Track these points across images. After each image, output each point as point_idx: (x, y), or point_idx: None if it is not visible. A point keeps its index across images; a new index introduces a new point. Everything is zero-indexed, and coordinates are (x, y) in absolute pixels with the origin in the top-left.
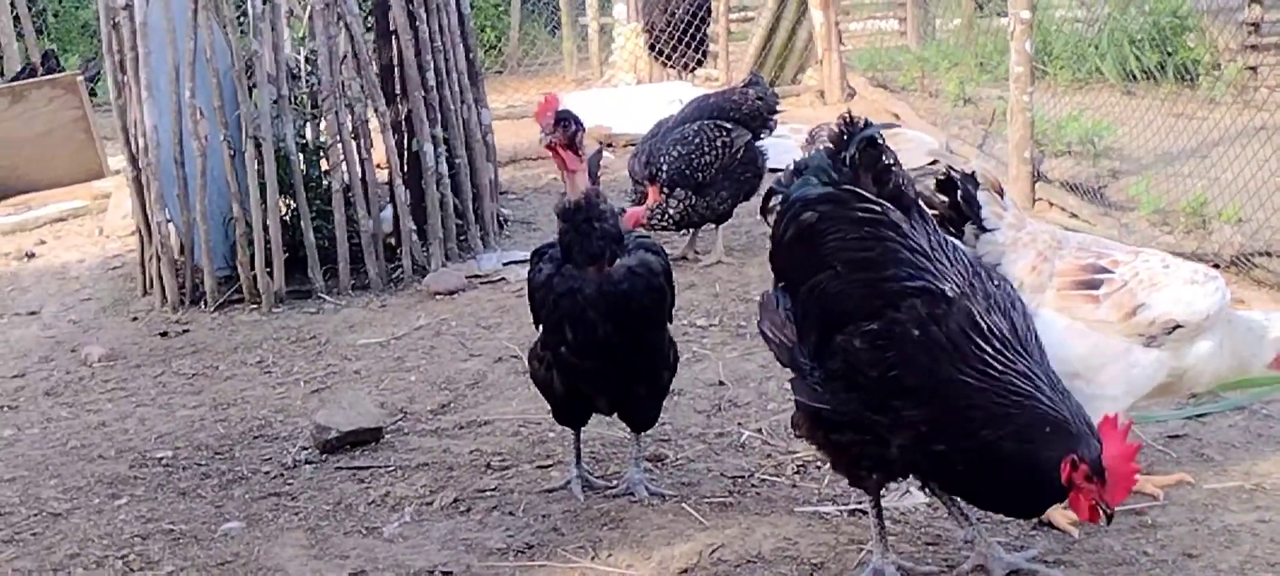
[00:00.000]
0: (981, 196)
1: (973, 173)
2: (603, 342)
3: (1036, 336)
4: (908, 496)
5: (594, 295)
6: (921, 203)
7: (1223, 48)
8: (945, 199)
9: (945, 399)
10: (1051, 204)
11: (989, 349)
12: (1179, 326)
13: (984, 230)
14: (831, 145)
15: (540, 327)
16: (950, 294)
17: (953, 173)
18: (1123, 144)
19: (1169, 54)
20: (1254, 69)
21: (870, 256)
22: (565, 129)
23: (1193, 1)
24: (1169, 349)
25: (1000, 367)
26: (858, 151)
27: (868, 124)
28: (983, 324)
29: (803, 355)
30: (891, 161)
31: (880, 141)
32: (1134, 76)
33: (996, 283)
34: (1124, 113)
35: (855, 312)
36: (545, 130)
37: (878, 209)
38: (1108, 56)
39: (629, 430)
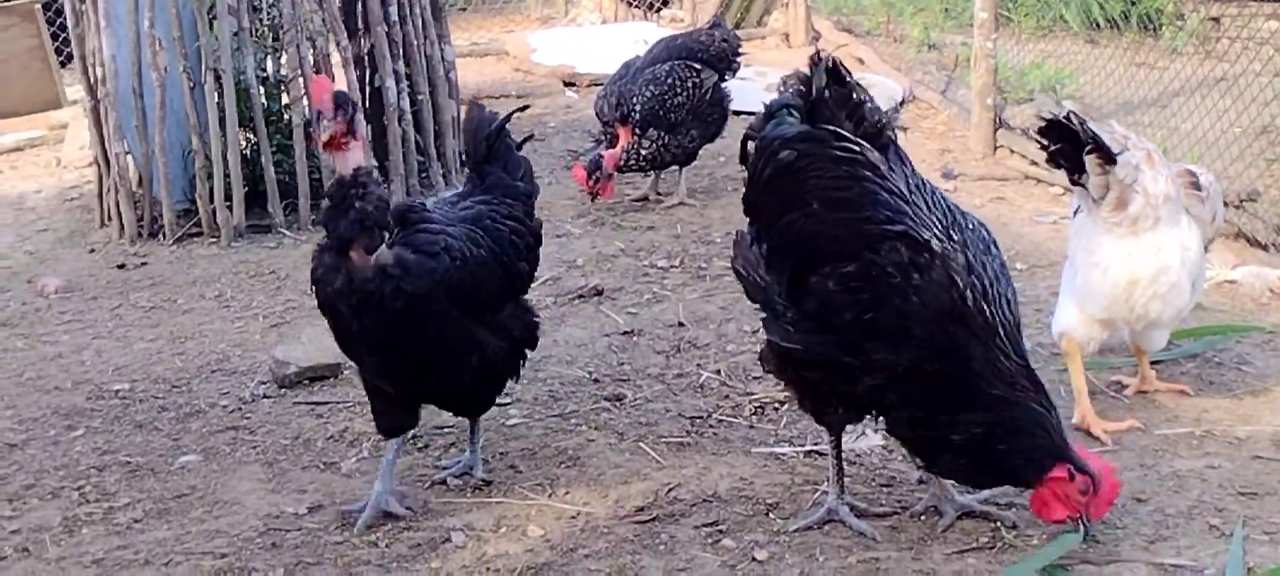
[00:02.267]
0: (1094, 126)
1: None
2: (360, 338)
3: (1009, 282)
4: (864, 438)
5: (343, 287)
6: (898, 143)
7: None
8: (1048, 142)
9: (918, 346)
10: (1012, 150)
11: (972, 307)
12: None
13: (1111, 159)
14: (802, 88)
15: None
16: (935, 247)
17: (1066, 116)
18: (1085, 92)
19: (1133, 3)
20: (1217, 20)
21: (848, 196)
22: (345, 115)
23: None
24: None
25: (981, 326)
26: (826, 82)
27: (834, 60)
28: (960, 281)
29: (776, 295)
30: (865, 100)
31: (846, 74)
32: (1098, 25)
33: (973, 226)
34: (1087, 61)
35: (832, 253)
36: (325, 118)
37: (856, 148)
38: (1072, 4)
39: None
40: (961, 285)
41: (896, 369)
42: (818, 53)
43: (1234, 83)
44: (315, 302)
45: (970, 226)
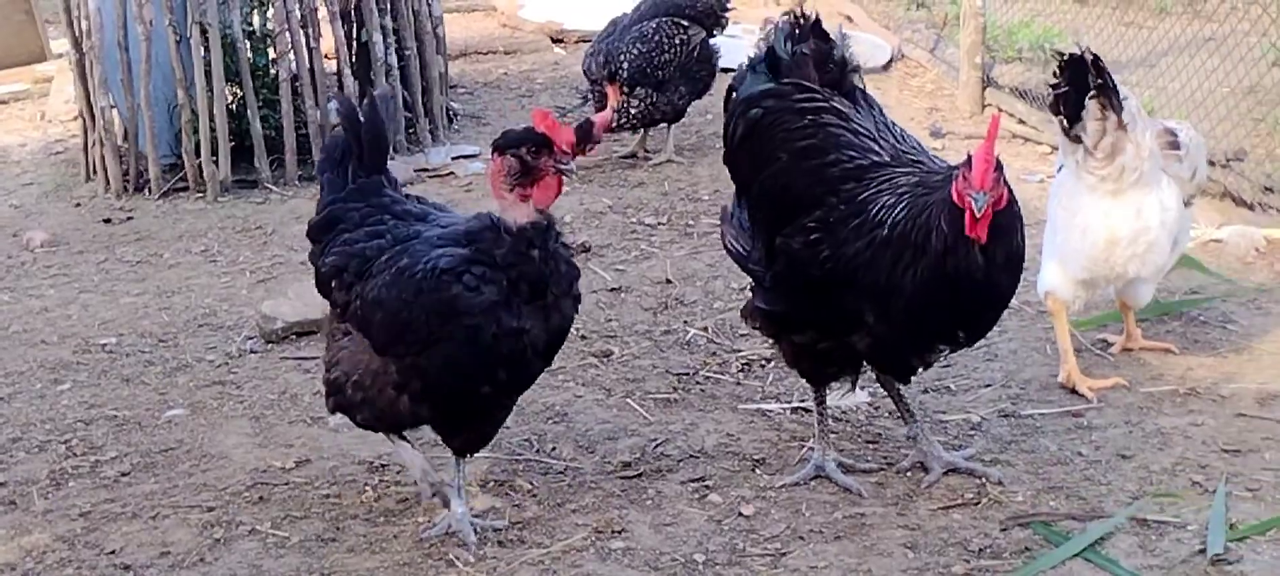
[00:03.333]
0: (1112, 74)
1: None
2: (522, 382)
3: None
4: (850, 395)
5: (541, 336)
6: (866, 86)
7: None
8: (1061, 81)
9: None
10: (1000, 109)
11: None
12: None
13: (1119, 101)
14: (781, 34)
15: (429, 354)
16: (881, 164)
17: (1082, 54)
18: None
19: None
20: None
21: (814, 143)
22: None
23: None
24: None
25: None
26: (811, 40)
27: (817, 21)
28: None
29: (755, 263)
30: (836, 51)
31: (826, 32)
32: None
33: (930, 159)
34: (1076, 20)
35: (802, 201)
36: (569, 153)
37: (820, 96)
38: None
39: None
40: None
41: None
42: (797, 9)
43: (1222, 43)
44: (373, 295)
45: (933, 163)
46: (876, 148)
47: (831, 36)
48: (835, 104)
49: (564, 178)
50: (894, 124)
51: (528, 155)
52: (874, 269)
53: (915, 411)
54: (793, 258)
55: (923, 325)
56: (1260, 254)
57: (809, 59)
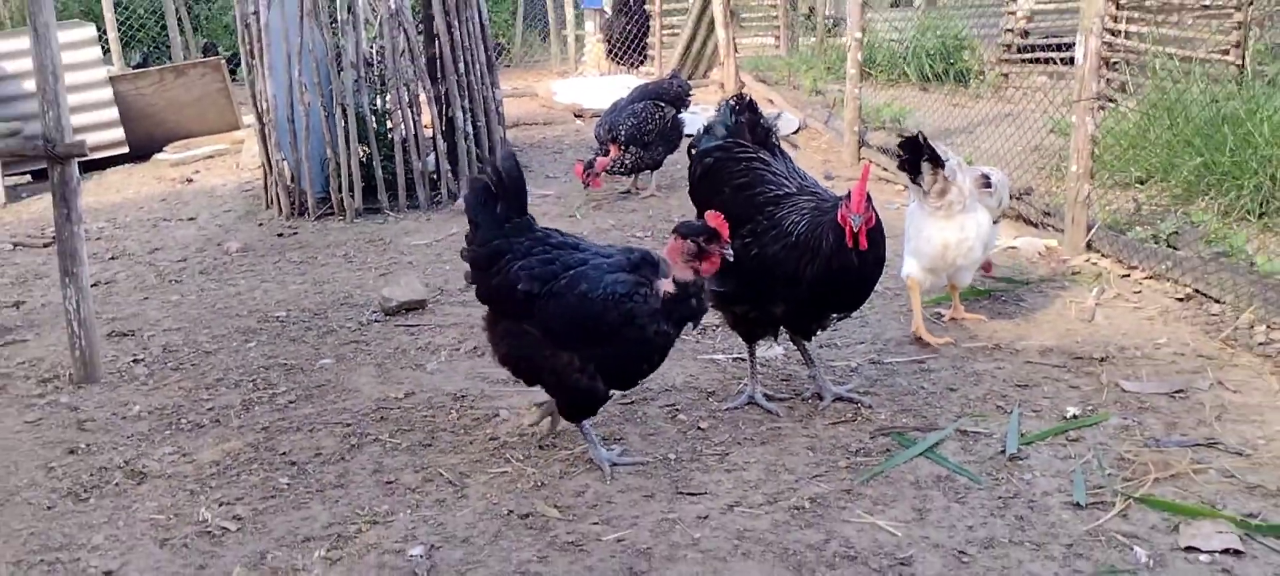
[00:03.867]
0: (935, 143)
1: (919, 133)
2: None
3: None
4: (772, 348)
5: (676, 335)
6: (783, 145)
7: (987, 60)
8: (903, 153)
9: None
10: (872, 162)
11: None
12: (1004, 210)
13: (941, 163)
14: (730, 107)
15: (607, 347)
16: (788, 195)
17: (915, 136)
18: (919, 122)
19: (950, 64)
20: (1006, 75)
21: (746, 180)
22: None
23: (968, 29)
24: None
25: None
26: (746, 113)
27: (752, 101)
28: (801, 206)
29: None
30: (763, 121)
31: (758, 108)
32: (928, 78)
33: (824, 192)
34: (920, 102)
35: (739, 219)
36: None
37: (751, 150)
38: (911, 64)
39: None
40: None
41: (789, 296)
42: (738, 94)
43: (1017, 117)
44: (561, 311)
45: (825, 194)
46: (788, 183)
47: (761, 111)
48: (762, 155)
49: (724, 259)
50: (800, 169)
51: (702, 242)
52: (786, 264)
53: (815, 359)
54: (736, 255)
55: (819, 302)
56: (1042, 256)
57: (745, 126)
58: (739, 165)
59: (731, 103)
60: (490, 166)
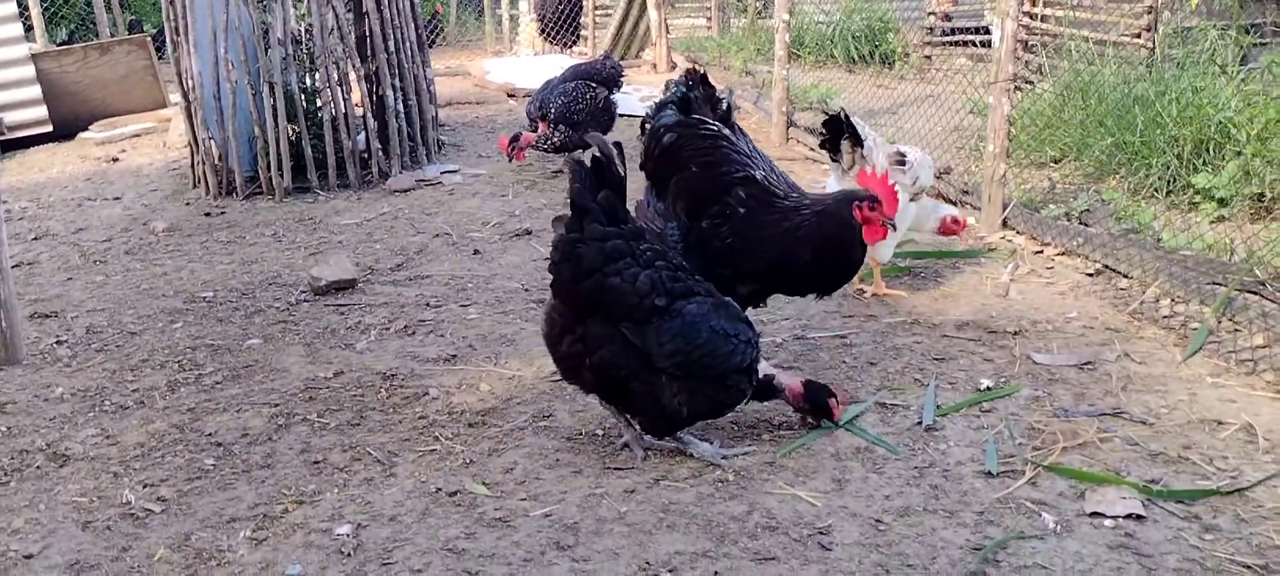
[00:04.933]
0: (856, 121)
1: (841, 111)
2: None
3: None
4: None
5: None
6: (738, 124)
7: (911, 43)
8: (825, 131)
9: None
10: (798, 142)
11: (782, 206)
12: (923, 188)
13: (861, 141)
14: (685, 85)
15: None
16: (758, 177)
17: (839, 113)
18: (845, 103)
19: (876, 46)
20: (929, 57)
21: (712, 159)
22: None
23: (893, 13)
24: (914, 203)
25: (791, 207)
26: (700, 88)
27: (704, 75)
28: (778, 191)
29: (671, 235)
30: (721, 96)
31: (711, 82)
32: (854, 60)
33: (779, 172)
34: (847, 83)
35: (707, 196)
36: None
37: (715, 128)
38: (838, 46)
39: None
40: (779, 193)
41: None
42: (693, 68)
43: (939, 99)
44: (670, 348)
45: (778, 171)
46: (752, 165)
47: (716, 87)
48: (725, 132)
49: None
50: (755, 147)
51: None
52: (777, 248)
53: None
54: (702, 234)
55: (799, 285)
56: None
57: (706, 103)
58: (706, 142)
59: (688, 77)
60: (598, 145)
